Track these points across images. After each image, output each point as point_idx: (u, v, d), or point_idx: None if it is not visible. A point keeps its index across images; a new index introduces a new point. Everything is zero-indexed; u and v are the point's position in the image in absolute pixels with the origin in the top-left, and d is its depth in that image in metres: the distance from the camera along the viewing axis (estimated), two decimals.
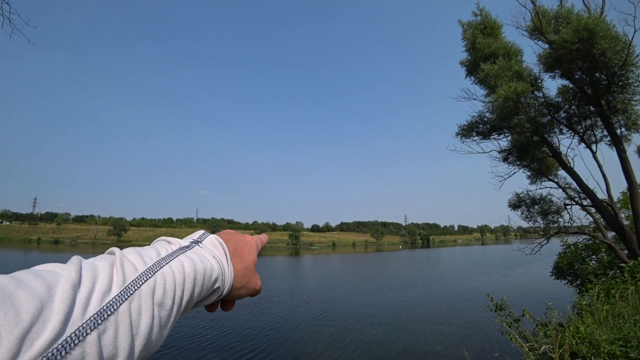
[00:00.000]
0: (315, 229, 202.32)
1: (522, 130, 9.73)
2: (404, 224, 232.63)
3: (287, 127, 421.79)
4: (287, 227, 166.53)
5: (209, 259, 0.50)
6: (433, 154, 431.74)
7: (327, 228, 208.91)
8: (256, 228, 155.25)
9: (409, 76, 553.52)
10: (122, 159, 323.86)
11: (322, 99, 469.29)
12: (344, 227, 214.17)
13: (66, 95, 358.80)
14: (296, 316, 15.10)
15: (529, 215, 11.90)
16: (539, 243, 11.43)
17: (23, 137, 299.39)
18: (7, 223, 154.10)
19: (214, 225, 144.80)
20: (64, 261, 0.38)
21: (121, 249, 0.45)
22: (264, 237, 0.70)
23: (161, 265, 0.43)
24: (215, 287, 0.50)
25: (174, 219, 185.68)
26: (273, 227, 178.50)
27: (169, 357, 9.67)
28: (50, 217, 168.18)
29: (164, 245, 0.49)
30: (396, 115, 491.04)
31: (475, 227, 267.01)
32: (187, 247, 0.50)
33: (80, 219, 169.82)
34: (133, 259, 0.42)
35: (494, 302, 7.03)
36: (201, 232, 0.57)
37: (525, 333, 6.47)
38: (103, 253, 0.44)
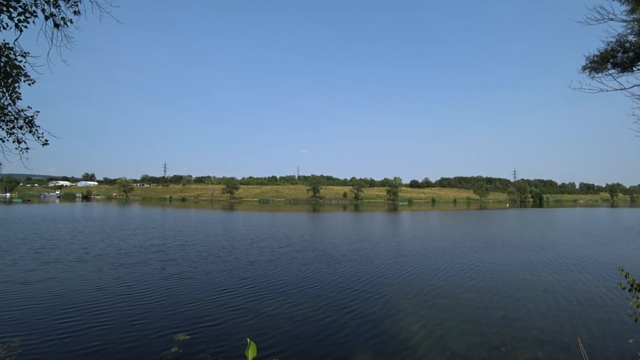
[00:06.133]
0: (413, 184, 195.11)
1: None
2: (512, 180, 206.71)
3: (385, 82, 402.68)
4: (384, 183, 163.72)
5: None
6: (550, 99, 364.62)
7: (427, 184, 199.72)
8: (354, 184, 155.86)
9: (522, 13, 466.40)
10: (230, 125, 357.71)
11: (424, 46, 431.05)
12: (444, 183, 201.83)
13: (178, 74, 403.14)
14: (390, 272, 14.99)
15: None
16: None
17: (156, 120, 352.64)
18: (147, 185, 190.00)
19: (314, 182, 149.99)
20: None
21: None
22: None
23: None
24: None
25: (277, 177, 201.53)
26: (371, 183, 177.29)
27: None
28: (177, 179, 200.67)
29: None
30: (507, 62, 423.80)
31: (604, 185, 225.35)
32: None
33: (199, 180, 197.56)
34: None
35: (629, 279, 4.98)
36: None
37: None
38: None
